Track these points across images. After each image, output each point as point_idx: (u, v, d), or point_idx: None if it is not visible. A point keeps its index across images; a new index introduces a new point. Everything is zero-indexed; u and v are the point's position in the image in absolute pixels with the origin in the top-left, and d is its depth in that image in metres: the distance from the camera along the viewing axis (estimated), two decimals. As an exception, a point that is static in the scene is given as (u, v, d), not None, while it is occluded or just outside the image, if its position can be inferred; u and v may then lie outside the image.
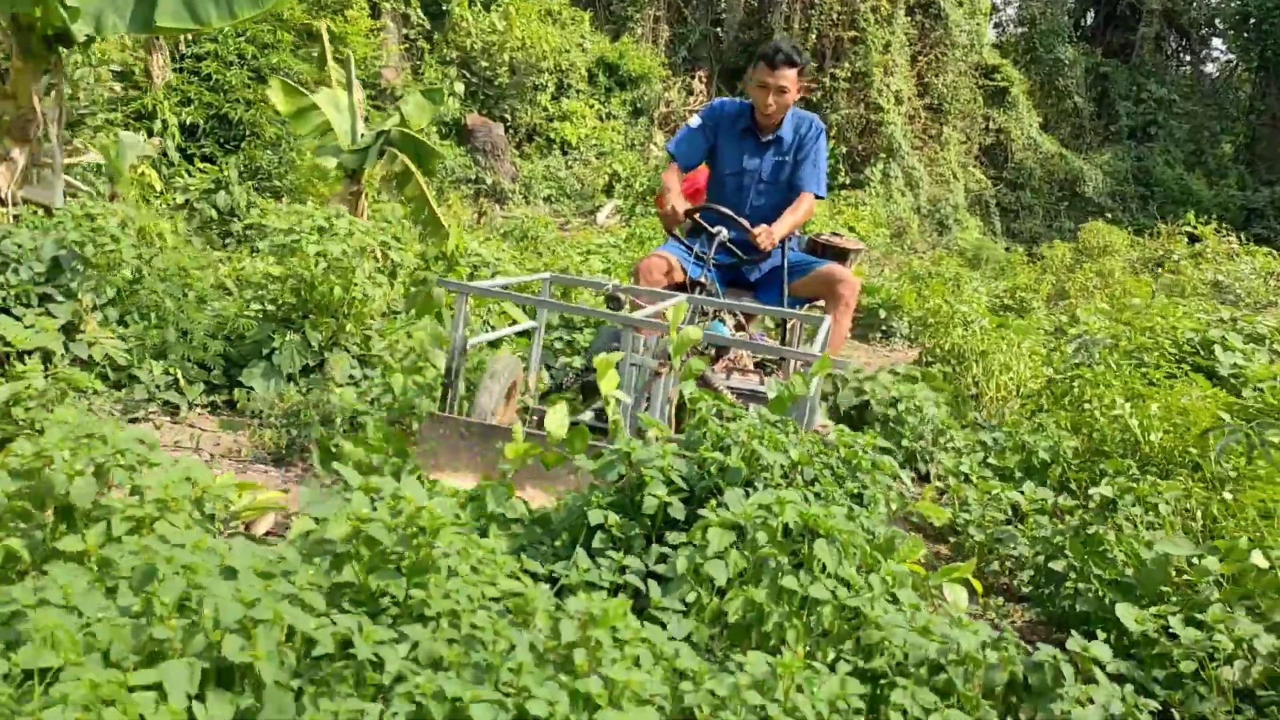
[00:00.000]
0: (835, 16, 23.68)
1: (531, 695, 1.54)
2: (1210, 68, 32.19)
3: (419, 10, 18.54)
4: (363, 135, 7.75)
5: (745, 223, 4.47)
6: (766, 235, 4.43)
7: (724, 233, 4.49)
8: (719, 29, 25.53)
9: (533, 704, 1.52)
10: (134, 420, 4.68)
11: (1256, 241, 21.93)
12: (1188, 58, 31.08)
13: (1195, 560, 3.02)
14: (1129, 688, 2.30)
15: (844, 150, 23.13)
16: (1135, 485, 3.38)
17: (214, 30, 5.91)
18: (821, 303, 4.78)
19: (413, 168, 7.47)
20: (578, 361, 5.72)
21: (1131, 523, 3.32)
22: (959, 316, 6.88)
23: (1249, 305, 12.83)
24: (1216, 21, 30.92)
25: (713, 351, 4.39)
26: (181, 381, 4.98)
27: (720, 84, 25.19)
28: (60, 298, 4.91)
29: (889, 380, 5.17)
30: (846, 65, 23.53)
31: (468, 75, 19.16)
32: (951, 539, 4.02)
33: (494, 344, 5.55)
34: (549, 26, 20.95)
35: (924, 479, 4.74)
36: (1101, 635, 2.86)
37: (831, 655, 2.17)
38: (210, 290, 5.63)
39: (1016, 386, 6.03)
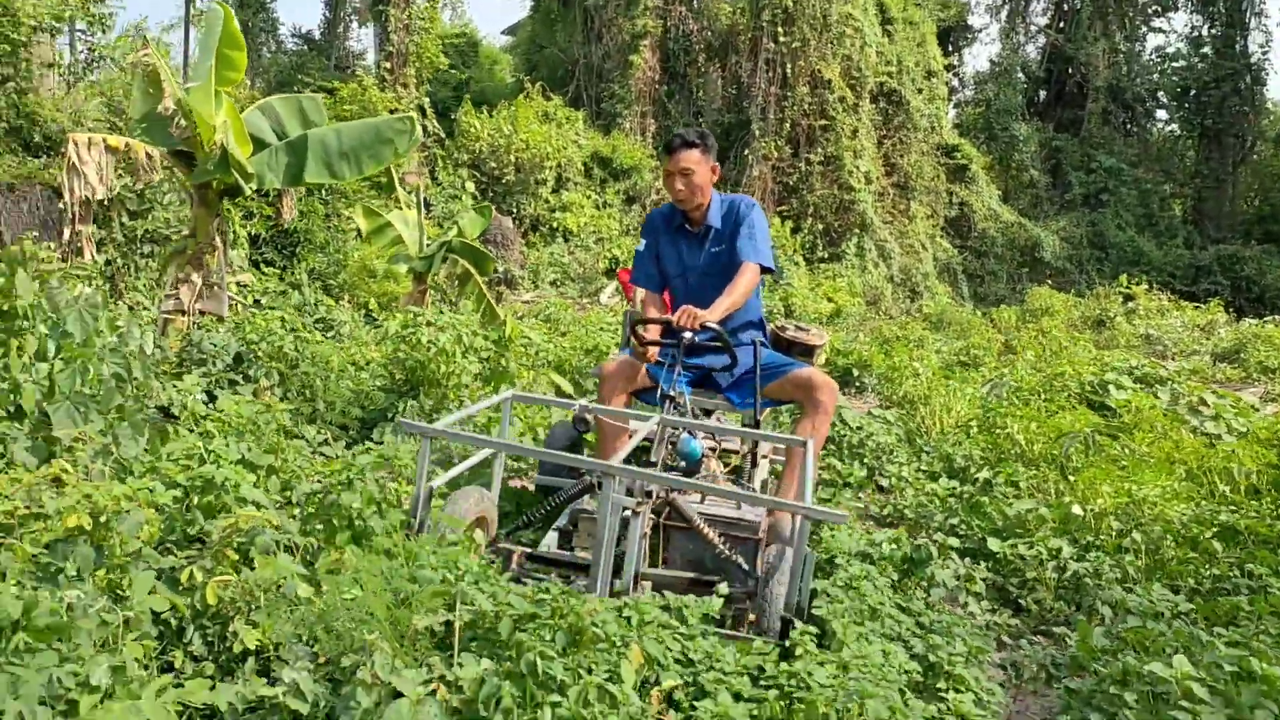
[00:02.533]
0: (806, 106, 25.92)
1: None
2: (1155, 135, 34.61)
3: (434, 120, 20.70)
4: (428, 244, 9.65)
5: (667, 316, 4.39)
6: (688, 316, 4.22)
7: (687, 335, 4.27)
8: (699, 119, 27.80)
9: None
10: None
11: (1205, 296, 24.06)
12: (1134, 128, 33.51)
13: (1035, 511, 4.84)
14: (981, 568, 4.12)
15: (820, 228, 25.23)
16: (1003, 471, 5.22)
17: (342, 182, 7.78)
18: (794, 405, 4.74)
19: (471, 270, 9.36)
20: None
21: (1002, 495, 5.16)
22: (910, 370, 8.76)
23: (1177, 354, 14.73)
24: (1159, 94, 33.46)
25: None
26: (330, 439, 6.78)
27: (704, 170, 27.43)
28: (243, 381, 6.74)
29: (850, 415, 7.01)
30: (819, 150, 25.72)
31: (478, 174, 21.26)
32: (897, 521, 5.85)
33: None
34: (547, 126, 23.16)
35: (880, 488, 6.54)
36: (983, 563, 4.67)
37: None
38: (343, 370, 7.45)
39: (955, 420, 7.88)
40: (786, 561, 3.26)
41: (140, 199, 11.01)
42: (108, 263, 10.59)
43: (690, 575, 3.59)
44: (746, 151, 26.05)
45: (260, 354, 6.86)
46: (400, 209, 9.79)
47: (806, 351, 5.00)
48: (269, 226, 14.41)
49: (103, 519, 2.86)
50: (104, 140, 6.94)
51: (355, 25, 35.81)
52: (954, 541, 4.37)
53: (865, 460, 6.62)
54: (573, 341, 11.63)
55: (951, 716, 2.79)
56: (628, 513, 3.33)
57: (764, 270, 4.59)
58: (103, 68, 14.50)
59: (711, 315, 4.25)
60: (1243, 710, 2.65)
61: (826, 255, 24.84)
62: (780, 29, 25.73)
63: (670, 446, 3.96)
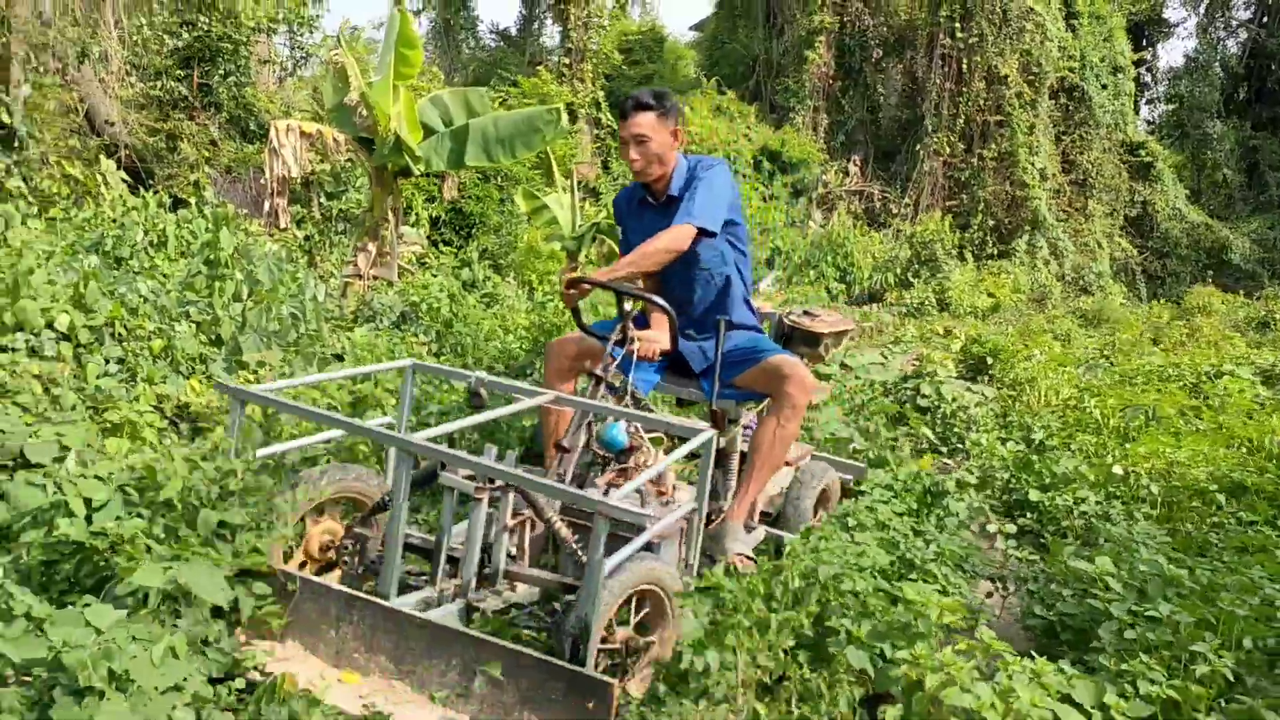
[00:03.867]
0: (982, 102, 25.74)
1: None
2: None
3: (608, 113, 21.77)
4: (580, 225, 10.59)
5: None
6: (567, 276, 3.82)
7: (628, 305, 3.87)
8: (874, 114, 27.98)
9: None
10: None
11: None
12: (1344, 127, 31.56)
13: (1078, 469, 5.32)
14: (990, 504, 4.68)
15: (991, 224, 25.03)
16: (1058, 436, 5.70)
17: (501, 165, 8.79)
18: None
19: (616, 248, 10.23)
20: None
21: (1054, 457, 5.65)
22: (1023, 354, 9.12)
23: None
24: (1374, 90, 31.40)
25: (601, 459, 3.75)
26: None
27: (875, 165, 27.61)
28: (407, 336, 7.79)
29: (950, 390, 7.51)
30: (993, 146, 25.52)
31: (648, 166, 22.23)
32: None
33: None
34: (719, 120, 23.92)
35: (959, 452, 7.02)
36: (1028, 513, 5.19)
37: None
38: (491, 331, 8.45)
39: (1059, 401, 8.24)
40: (595, 568, 2.72)
41: (336, 181, 12.41)
42: (306, 237, 11.99)
43: (553, 577, 3.22)
44: (918, 147, 26.10)
45: (420, 313, 7.91)
46: (557, 193, 10.77)
47: (810, 340, 4.45)
48: (448, 209, 15.76)
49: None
50: (299, 126, 8.14)
51: (549, 22, 37.46)
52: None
53: (955, 430, 7.12)
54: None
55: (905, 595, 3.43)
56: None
57: (703, 233, 3.96)
58: (309, 64, 16.16)
59: (597, 274, 3.82)
60: (1147, 600, 3.19)
61: (996, 252, 24.66)
62: (958, 24, 25.63)
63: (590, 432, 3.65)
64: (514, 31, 36.97)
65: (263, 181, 9.98)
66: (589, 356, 4.07)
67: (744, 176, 24.23)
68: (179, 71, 13.42)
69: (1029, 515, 5.18)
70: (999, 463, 6.00)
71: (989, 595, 4.07)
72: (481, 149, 8.11)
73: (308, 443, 3.65)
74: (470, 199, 15.63)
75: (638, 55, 28.86)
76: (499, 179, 15.56)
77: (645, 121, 4.02)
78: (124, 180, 10.56)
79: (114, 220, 7.24)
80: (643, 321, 4.17)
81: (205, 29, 13.30)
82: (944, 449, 6.94)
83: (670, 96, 4.16)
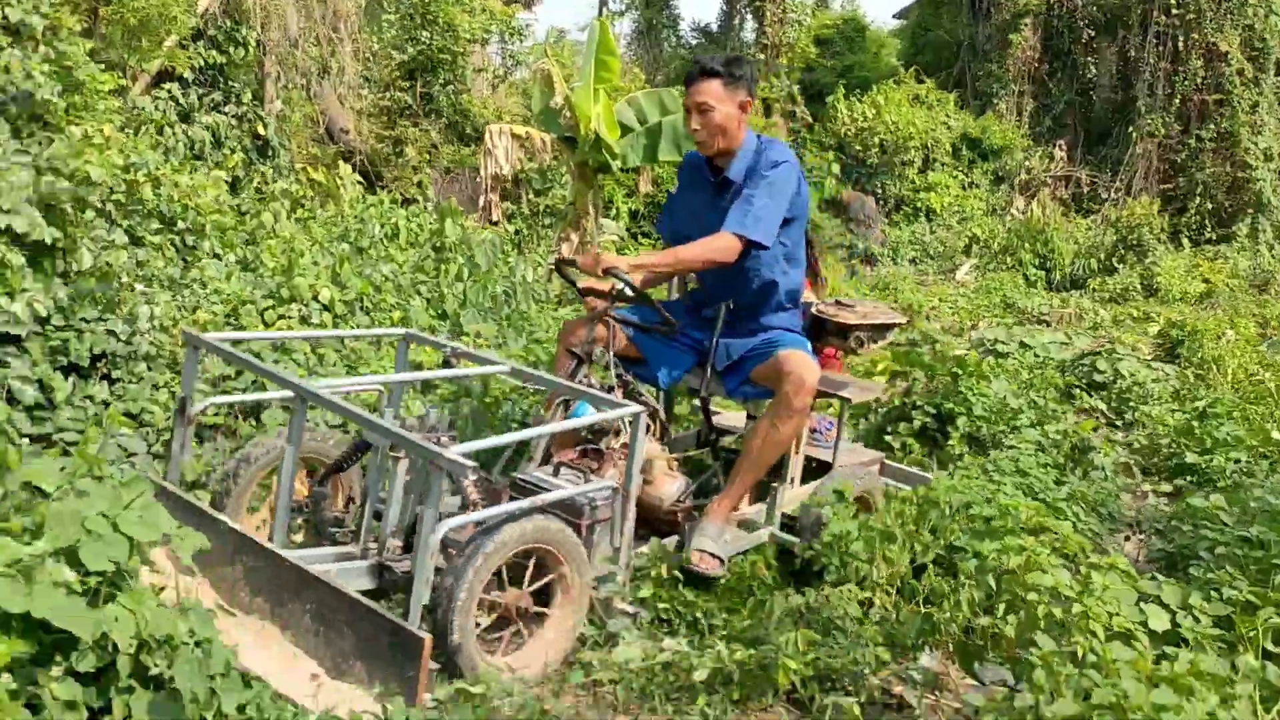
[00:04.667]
0: (1200, 81, 24.64)
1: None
2: None
3: (802, 105, 22.18)
4: (768, 215, 11.14)
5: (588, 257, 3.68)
6: (592, 257, 3.64)
7: (615, 285, 3.70)
8: (1084, 97, 27.16)
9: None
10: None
11: None
12: None
13: (1234, 434, 5.51)
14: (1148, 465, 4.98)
15: (1209, 207, 23.93)
16: (1221, 404, 5.88)
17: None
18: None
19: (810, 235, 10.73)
20: None
21: (1217, 424, 5.84)
22: (1213, 334, 9.07)
23: None
24: None
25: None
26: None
27: (1084, 149, 26.79)
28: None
29: (1127, 366, 7.66)
30: (1212, 126, 24.37)
31: (843, 157, 22.48)
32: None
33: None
34: (917, 110, 23.91)
35: (1128, 425, 7.15)
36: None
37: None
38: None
39: (1246, 379, 8.23)
40: (429, 519, 2.71)
41: (542, 178, 13.40)
42: (516, 231, 13.04)
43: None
44: (1131, 129, 25.22)
45: (617, 296, 8.65)
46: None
47: (840, 333, 4.05)
48: (645, 202, 16.59)
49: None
50: (510, 129, 9.06)
51: (749, 18, 37.93)
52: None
53: (1130, 404, 7.30)
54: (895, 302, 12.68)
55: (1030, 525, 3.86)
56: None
57: (750, 244, 3.65)
58: (519, 70, 17.33)
59: (618, 262, 3.55)
60: (1244, 527, 3.51)
61: (1214, 236, 23.57)
62: (1174, 1, 24.63)
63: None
64: (715, 28, 37.65)
65: (478, 180, 11.03)
66: (600, 339, 3.79)
67: (942, 165, 24.17)
68: (404, 83, 14.76)
69: (1186, 478, 5.42)
70: (1163, 429, 6.22)
71: (1126, 539, 4.41)
72: (673, 144, 8.79)
73: (260, 397, 3.94)
74: (665, 192, 16.40)
75: (838, 46, 29.01)
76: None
77: (709, 89, 3.74)
78: (359, 182, 11.85)
79: (355, 216, 8.33)
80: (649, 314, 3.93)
81: (427, 43, 14.58)
82: (1118, 423, 7.15)
83: (743, 64, 3.84)
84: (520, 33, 16.71)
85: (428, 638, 2.57)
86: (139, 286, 4.74)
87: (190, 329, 3.81)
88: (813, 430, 4.44)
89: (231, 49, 11.46)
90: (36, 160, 4.66)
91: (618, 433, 3.55)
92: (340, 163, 12.32)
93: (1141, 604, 2.82)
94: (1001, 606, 2.94)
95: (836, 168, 21.82)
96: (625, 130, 9.16)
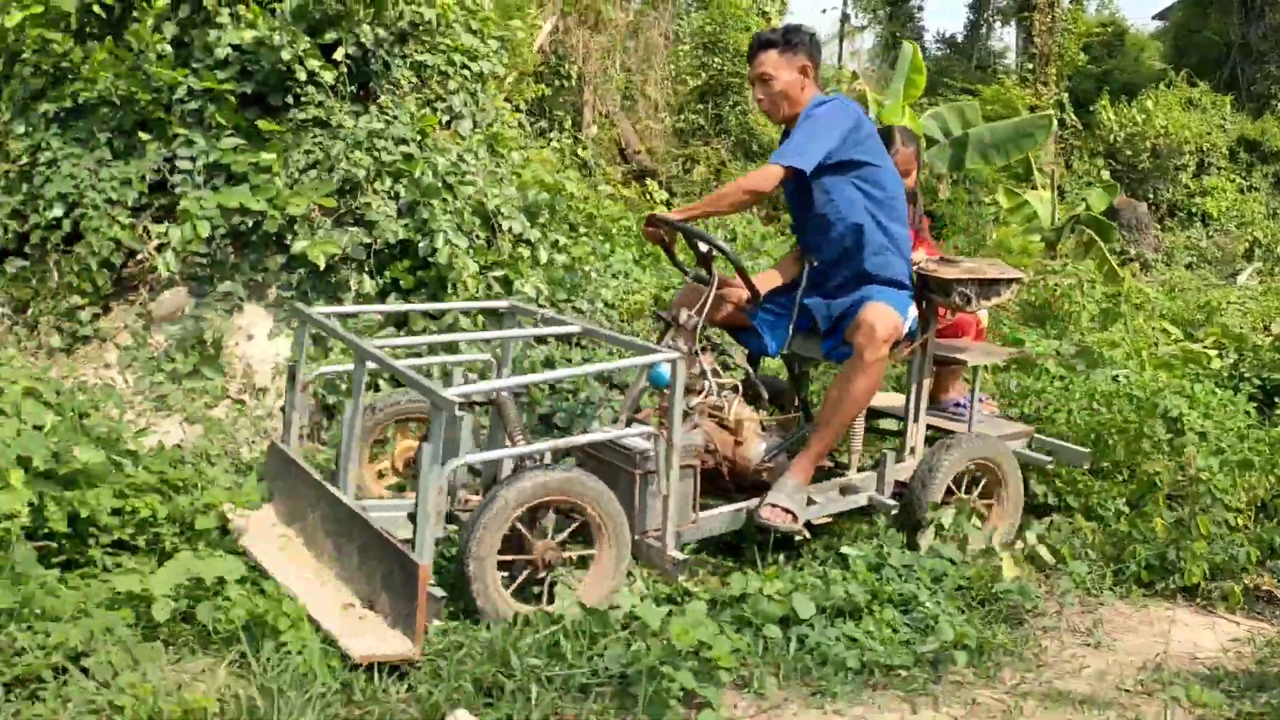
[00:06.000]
0: None
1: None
2: None
3: (1071, 113, 22.21)
4: (1058, 219, 11.68)
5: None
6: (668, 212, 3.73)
7: (703, 246, 3.77)
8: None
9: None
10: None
11: None
12: None
13: None
14: None
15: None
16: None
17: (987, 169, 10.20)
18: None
19: (1096, 238, 11.23)
20: None
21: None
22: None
23: None
24: None
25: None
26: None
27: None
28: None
29: None
30: None
31: (1113, 163, 22.30)
32: None
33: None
34: (1190, 114, 23.39)
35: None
36: None
37: None
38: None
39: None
40: (429, 460, 2.81)
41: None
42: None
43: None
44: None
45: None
46: (1035, 190, 11.93)
47: (941, 289, 3.91)
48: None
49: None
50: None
51: (998, 26, 37.58)
52: None
53: None
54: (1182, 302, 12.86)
55: None
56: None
57: (792, 171, 3.66)
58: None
59: (667, 215, 3.79)
60: None
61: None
62: None
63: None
64: (960, 38, 37.49)
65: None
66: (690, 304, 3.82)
67: (1219, 169, 23.44)
68: (697, 105, 16.06)
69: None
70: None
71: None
72: (979, 154, 9.56)
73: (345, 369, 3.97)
74: (941, 202, 16.99)
75: (1097, 51, 28.51)
76: (966, 182, 16.81)
77: (768, 60, 3.82)
78: (666, 201, 13.18)
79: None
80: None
81: (718, 68, 15.82)
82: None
83: (799, 31, 3.90)
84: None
85: (424, 564, 2.67)
86: (594, 274, 6.01)
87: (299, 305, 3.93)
88: (957, 404, 4.61)
89: (558, 81, 13.06)
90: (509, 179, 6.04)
91: (700, 391, 3.70)
92: (649, 180, 13.70)
93: None
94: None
95: (1106, 174, 21.70)
96: (930, 142, 9.98)
